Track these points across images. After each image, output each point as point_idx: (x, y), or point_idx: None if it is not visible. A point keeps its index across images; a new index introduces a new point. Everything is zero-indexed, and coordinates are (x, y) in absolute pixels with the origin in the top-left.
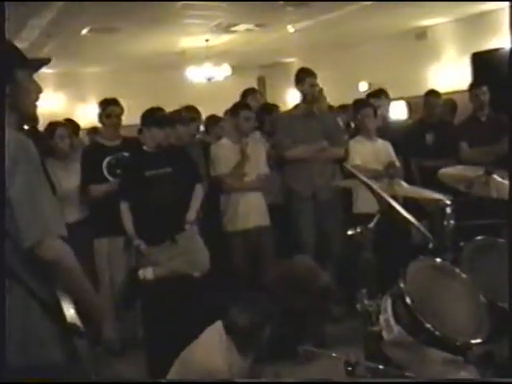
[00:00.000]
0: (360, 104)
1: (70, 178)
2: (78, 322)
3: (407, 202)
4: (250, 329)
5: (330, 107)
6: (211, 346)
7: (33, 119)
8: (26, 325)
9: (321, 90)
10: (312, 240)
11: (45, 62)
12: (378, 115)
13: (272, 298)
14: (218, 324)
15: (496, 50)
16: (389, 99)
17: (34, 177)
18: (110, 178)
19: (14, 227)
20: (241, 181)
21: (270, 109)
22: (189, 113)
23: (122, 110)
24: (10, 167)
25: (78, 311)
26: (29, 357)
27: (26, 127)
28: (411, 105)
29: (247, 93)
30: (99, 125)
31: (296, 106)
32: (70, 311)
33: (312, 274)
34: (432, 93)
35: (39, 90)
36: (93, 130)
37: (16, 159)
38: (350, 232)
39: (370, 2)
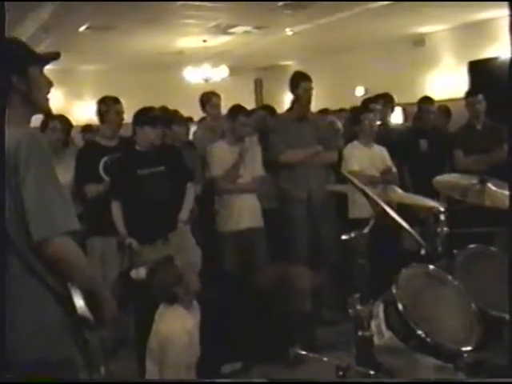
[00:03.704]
0: (360, 109)
1: (62, 174)
2: (88, 314)
3: (401, 209)
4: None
5: (326, 111)
6: (168, 321)
7: (46, 113)
8: (39, 314)
9: None
10: (306, 244)
11: (54, 56)
12: (376, 121)
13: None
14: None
15: (493, 59)
16: (392, 104)
17: (45, 172)
18: (106, 179)
19: (25, 220)
20: (235, 183)
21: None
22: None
23: (122, 109)
24: (23, 161)
25: (89, 305)
26: (40, 348)
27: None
28: (406, 111)
29: (207, 96)
30: (94, 123)
31: (290, 110)
32: (80, 303)
33: (304, 279)
34: (426, 99)
35: (50, 84)
36: (88, 128)
37: (28, 154)
38: (344, 237)
39: (368, 7)
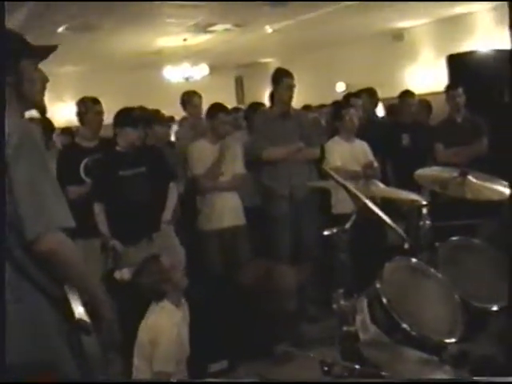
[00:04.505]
0: (341, 104)
1: None
2: (85, 317)
3: (384, 203)
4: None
5: (309, 107)
6: (157, 316)
7: (40, 108)
8: (34, 320)
9: None
10: (289, 240)
11: (51, 49)
12: (358, 116)
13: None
14: None
15: (471, 53)
16: (375, 98)
17: (37, 165)
18: (87, 180)
19: (17, 218)
20: (216, 181)
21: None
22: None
23: (102, 109)
24: (13, 155)
25: (86, 308)
26: (35, 353)
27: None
28: (386, 106)
29: (188, 95)
30: (74, 125)
31: (272, 107)
32: (77, 306)
33: (289, 278)
34: (407, 93)
35: (45, 79)
36: (67, 131)
37: (19, 146)
38: (326, 232)
39: (347, 3)
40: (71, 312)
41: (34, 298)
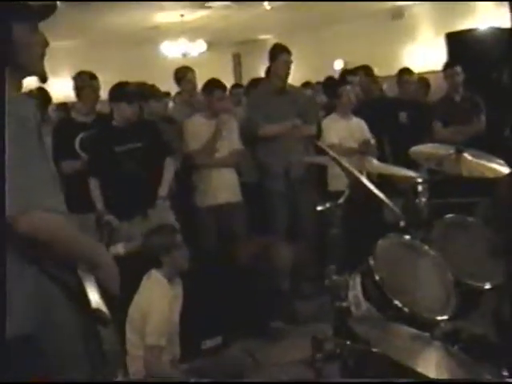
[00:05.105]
0: (338, 81)
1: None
2: (103, 307)
3: (381, 180)
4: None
5: (309, 84)
6: (150, 290)
7: (39, 76)
8: (50, 314)
9: None
10: (285, 217)
11: (51, 9)
12: (355, 93)
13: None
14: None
15: (470, 31)
16: (372, 76)
17: (23, 140)
18: (83, 155)
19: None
20: (213, 157)
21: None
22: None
23: (98, 84)
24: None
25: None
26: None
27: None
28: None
29: (181, 71)
30: (69, 101)
31: (269, 83)
32: (94, 294)
33: (285, 256)
34: (405, 71)
35: (44, 43)
36: (63, 106)
37: (8, 120)
38: (319, 208)
39: None
40: (87, 301)
41: (47, 290)
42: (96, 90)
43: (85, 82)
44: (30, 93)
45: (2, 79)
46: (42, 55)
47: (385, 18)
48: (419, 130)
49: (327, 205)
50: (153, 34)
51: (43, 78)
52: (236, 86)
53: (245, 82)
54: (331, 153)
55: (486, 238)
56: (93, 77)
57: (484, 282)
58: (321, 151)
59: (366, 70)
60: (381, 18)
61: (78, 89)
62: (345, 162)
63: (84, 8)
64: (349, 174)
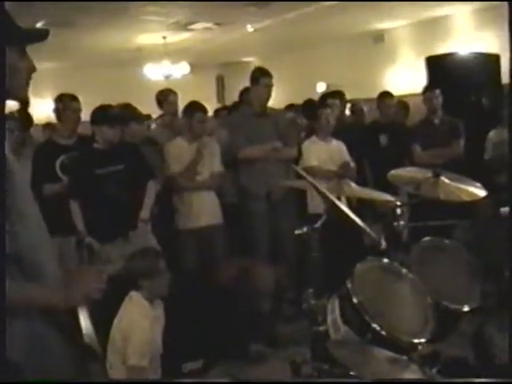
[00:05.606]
0: (318, 104)
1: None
2: (95, 341)
3: (360, 204)
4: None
5: (292, 106)
6: (131, 312)
7: (22, 102)
8: (42, 349)
9: None
10: (266, 239)
11: (42, 33)
12: (334, 116)
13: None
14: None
15: (449, 55)
16: (345, 100)
17: None
18: (64, 178)
19: None
20: (194, 179)
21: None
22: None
23: (80, 106)
24: None
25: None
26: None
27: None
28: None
29: (163, 93)
30: (53, 122)
31: (249, 106)
32: (87, 328)
33: (266, 278)
34: (385, 94)
35: (32, 69)
36: (48, 126)
37: None
38: (297, 232)
39: (328, 4)
40: (80, 335)
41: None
42: (77, 112)
43: (66, 104)
44: (11, 114)
45: None
46: (28, 81)
47: (366, 40)
48: (399, 153)
49: (304, 229)
50: (136, 56)
51: (25, 105)
52: (222, 108)
53: (228, 103)
54: (307, 176)
55: (463, 260)
56: (74, 99)
57: (462, 305)
58: (300, 174)
59: (340, 95)
60: (362, 40)
61: (59, 111)
62: (322, 187)
63: (67, 30)
64: (325, 198)
